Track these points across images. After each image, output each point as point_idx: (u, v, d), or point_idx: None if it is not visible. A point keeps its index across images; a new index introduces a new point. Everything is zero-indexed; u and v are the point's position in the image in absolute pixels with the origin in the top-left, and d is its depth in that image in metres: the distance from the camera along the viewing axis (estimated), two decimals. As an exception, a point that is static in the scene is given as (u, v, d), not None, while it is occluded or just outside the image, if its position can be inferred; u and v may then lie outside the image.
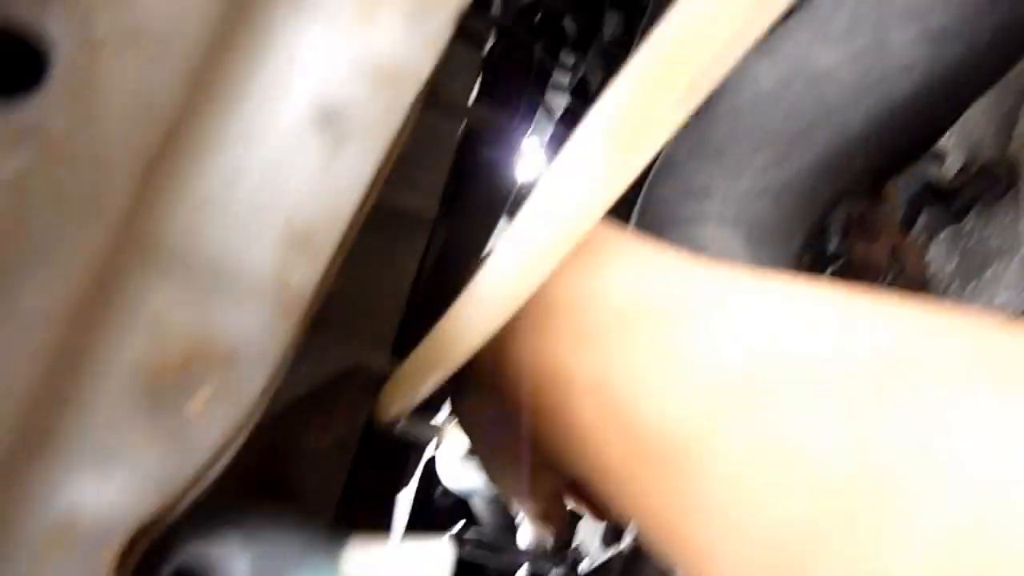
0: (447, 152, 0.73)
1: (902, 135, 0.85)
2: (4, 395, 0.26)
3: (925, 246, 1.18)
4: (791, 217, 0.84)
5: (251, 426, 0.32)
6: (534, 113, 1.78)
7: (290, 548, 0.34)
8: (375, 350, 0.69)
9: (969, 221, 1.12)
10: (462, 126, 0.76)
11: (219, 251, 0.33)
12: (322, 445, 0.66)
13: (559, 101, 1.88)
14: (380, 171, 0.36)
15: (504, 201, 1.00)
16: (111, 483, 0.29)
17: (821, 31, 0.85)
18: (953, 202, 1.15)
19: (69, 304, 0.27)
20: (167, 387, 0.31)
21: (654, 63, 0.31)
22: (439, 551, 0.37)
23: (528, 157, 1.73)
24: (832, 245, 1.11)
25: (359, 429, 0.69)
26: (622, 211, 0.91)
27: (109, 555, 0.28)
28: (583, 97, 1.65)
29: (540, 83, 1.83)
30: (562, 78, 1.81)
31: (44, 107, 0.27)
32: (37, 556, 0.27)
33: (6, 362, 0.26)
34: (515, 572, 1.41)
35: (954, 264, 1.12)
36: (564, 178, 0.34)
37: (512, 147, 0.93)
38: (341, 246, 0.35)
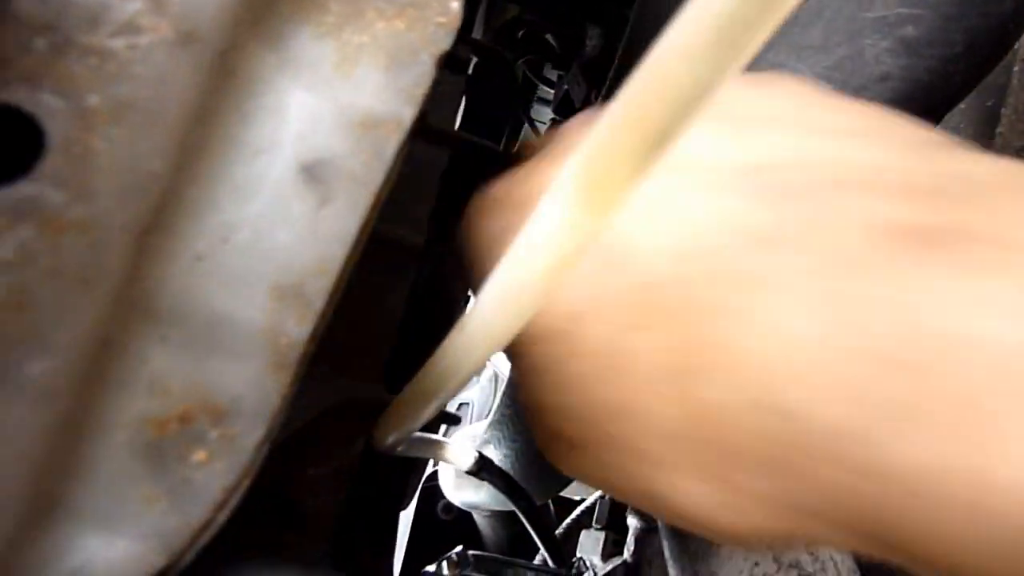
0: (433, 181, 0.74)
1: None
2: (14, 468, 0.27)
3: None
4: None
5: (252, 477, 0.33)
6: (520, 129, 1.80)
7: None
8: (368, 382, 0.70)
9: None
10: (447, 154, 0.77)
11: (214, 308, 0.34)
12: (320, 474, 0.67)
13: (545, 115, 1.89)
14: (367, 220, 0.38)
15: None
16: (119, 541, 0.30)
17: (797, 44, 0.86)
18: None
19: (72, 375, 0.28)
20: (168, 444, 0.32)
21: (618, 123, 0.32)
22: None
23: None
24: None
25: (356, 458, 0.70)
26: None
27: (118, 612, 0.29)
28: (568, 112, 1.67)
29: (525, 99, 1.85)
30: (546, 94, 1.83)
31: (42, 182, 0.28)
32: (48, 617, 0.28)
33: (16, 438, 0.27)
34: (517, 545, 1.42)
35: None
36: (536, 236, 0.35)
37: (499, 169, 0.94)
38: (332, 296, 0.36)
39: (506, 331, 0.37)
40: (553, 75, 1.70)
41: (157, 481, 0.31)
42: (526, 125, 1.78)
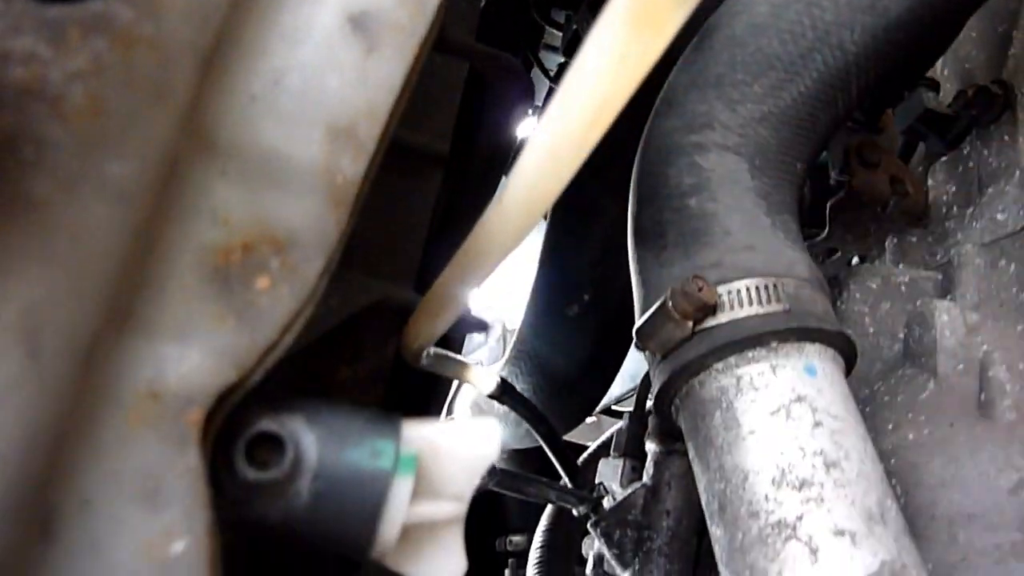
0: (455, 92, 0.75)
1: (897, 55, 0.87)
2: (100, 264, 0.28)
3: (924, 174, 1.20)
4: (792, 144, 0.86)
5: (313, 306, 0.34)
6: (529, 72, 1.79)
7: (351, 425, 0.36)
8: (399, 284, 0.71)
9: (967, 145, 1.14)
10: (468, 65, 0.78)
11: (270, 146, 0.35)
12: (357, 376, 0.68)
13: (553, 60, 1.89)
14: (413, 69, 0.39)
15: (507, 153, 1.02)
16: (190, 355, 0.31)
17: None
18: (950, 129, 1.16)
19: (146, 182, 0.30)
20: (233, 270, 0.33)
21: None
22: (489, 429, 0.39)
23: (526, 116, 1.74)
24: (833, 175, 1.13)
25: (390, 361, 0.72)
26: (629, 148, 0.94)
27: (194, 419, 0.30)
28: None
29: (533, 43, 1.84)
30: (554, 40, 1.83)
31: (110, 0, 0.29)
32: (128, 420, 0.30)
33: (99, 235, 0.28)
34: (542, 507, 1.45)
35: (953, 189, 1.14)
36: (590, 63, 0.36)
37: (516, 93, 0.95)
38: (382, 140, 0.37)
39: (564, 165, 0.38)
40: (561, 16, 1.69)
41: (224, 302, 0.32)
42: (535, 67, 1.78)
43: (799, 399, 0.69)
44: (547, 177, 0.43)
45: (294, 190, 0.35)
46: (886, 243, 1.21)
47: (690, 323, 0.74)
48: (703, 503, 0.74)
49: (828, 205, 1.14)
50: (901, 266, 1.15)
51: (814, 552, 0.62)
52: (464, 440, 0.38)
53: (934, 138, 1.19)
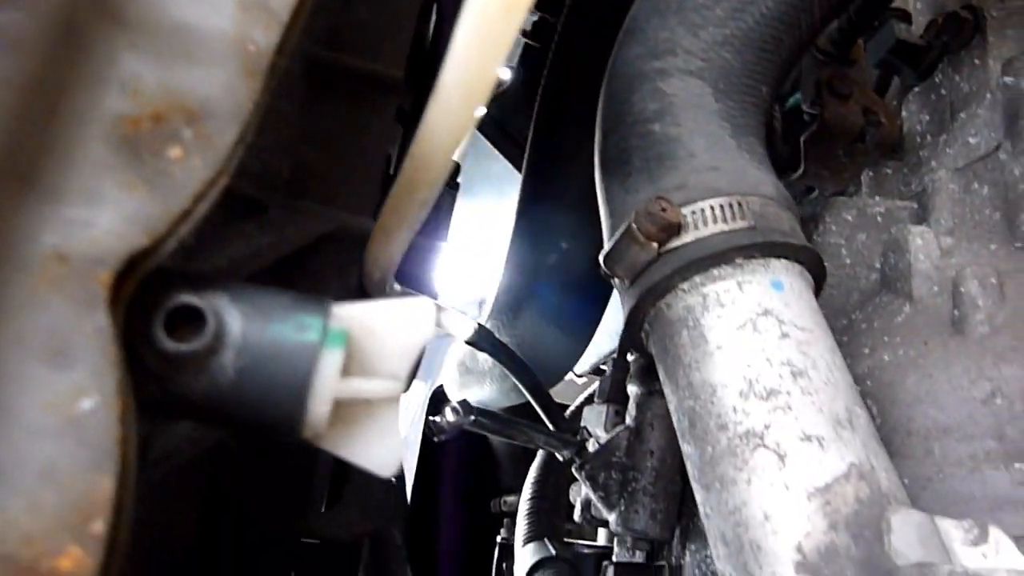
0: (409, 19, 0.74)
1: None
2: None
3: (899, 106, 1.19)
4: (756, 67, 0.85)
5: (227, 176, 0.34)
6: None
7: (277, 302, 0.36)
8: (357, 213, 0.70)
9: (938, 73, 1.13)
10: (422, -4, 0.77)
11: (180, 18, 0.34)
12: (316, 307, 0.67)
13: None
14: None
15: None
16: (99, 220, 0.30)
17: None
18: (923, 59, 1.15)
19: (37, 38, 0.29)
20: (144, 139, 0.32)
21: None
22: (424, 308, 0.39)
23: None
24: (805, 108, 1.12)
25: (352, 292, 0.71)
26: (596, 77, 0.93)
27: (102, 281, 0.30)
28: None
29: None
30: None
31: None
32: (36, 281, 0.29)
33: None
34: (530, 452, 1.44)
35: (926, 118, 1.13)
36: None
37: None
38: (298, 11, 0.36)
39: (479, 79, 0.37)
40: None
41: (134, 171, 0.32)
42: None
43: (765, 312, 0.69)
44: (478, 63, 0.42)
45: (205, 61, 0.34)
46: (862, 177, 1.21)
47: (655, 245, 0.73)
48: (675, 423, 0.73)
49: (802, 140, 1.13)
50: (877, 198, 1.14)
51: (782, 458, 0.62)
52: (398, 319, 0.38)
53: (907, 70, 1.18)
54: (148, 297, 0.33)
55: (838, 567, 0.56)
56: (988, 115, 1.01)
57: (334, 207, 0.68)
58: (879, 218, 1.09)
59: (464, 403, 0.98)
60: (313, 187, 0.68)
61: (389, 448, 0.37)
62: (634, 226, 0.73)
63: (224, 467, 0.68)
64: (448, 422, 0.96)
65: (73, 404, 0.28)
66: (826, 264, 1.08)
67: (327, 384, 0.35)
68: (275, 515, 0.71)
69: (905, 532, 0.56)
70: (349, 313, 0.37)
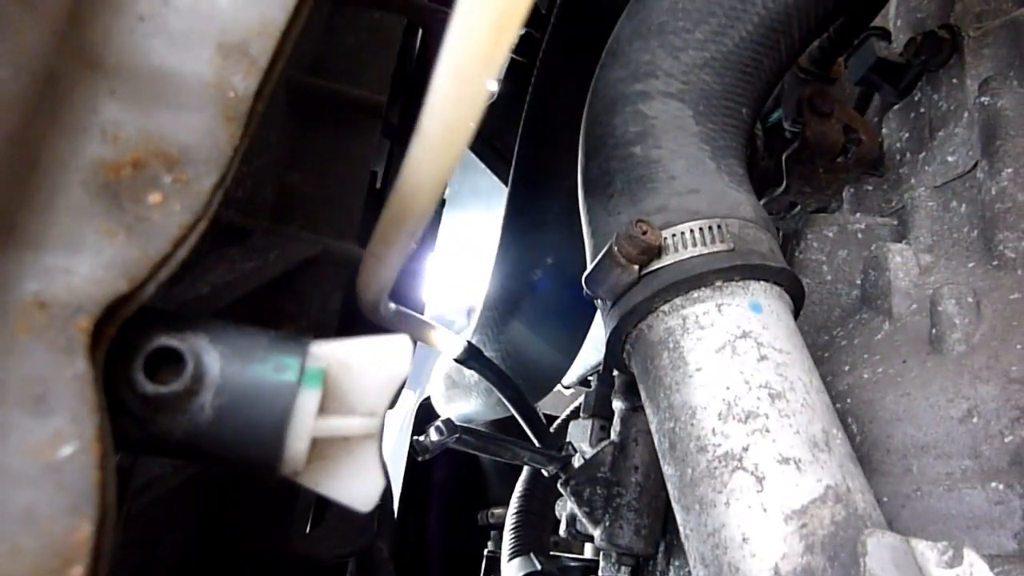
0: (392, 42, 0.75)
1: (837, -2, 0.87)
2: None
3: (879, 124, 1.21)
4: (736, 89, 0.86)
5: (207, 220, 0.34)
6: None
7: (256, 343, 0.36)
8: (341, 237, 0.71)
9: (918, 92, 1.14)
10: (404, 21, 0.78)
11: (160, 65, 0.35)
12: (301, 332, 0.68)
13: None
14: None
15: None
16: (79, 267, 0.31)
17: None
18: (903, 77, 1.17)
19: (19, 94, 0.29)
20: (124, 186, 0.33)
21: None
22: (400, 345, 0.39)
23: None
24: (786, 126, 1.13)
25: (335, 315, 0.72)
26: (580, 94, 0.94)
27: (82, 328, 0.30)
28: None
29: None
30: None
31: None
32: (16, 328, 0.30)
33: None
34: (515, 467, 1.45)
35: (906, 136, 1.15)
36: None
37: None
38: (277, 56, 0.37)
39: (467, 101, 0.38)
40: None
41: (114, 218, 0.32)
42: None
43: (744, 335, 0.70)
44: (461, 99, 0.43)
45: (185, 107, 0.35)
46: (844, 193, 1.22)
47: (636, 267, 0.74)
48: (656, 444, 0.74)
49: (783, 157, 1.15)
50: (858, 215, 1.16)
51: (760, 480, 0.63)
52: (375, 357, 0.38)
53: (887, 87, 1.20)
54: (128, 339, 0.33)
55: (814, 589, 0.57)
56: (966, 134, 1.03)
57: (318, 232, 0.69)
58: (860, 235, 1.10)
59: (448, 422, 0.98)
60: (297, 212, 0.69)
61: (368, 483, 0.38)
62: (615, 249, 0.74)
63: (207, 493, 0.69)
64: (432, 441, 0.97)
65: (53, 450, 0.29)
66: (807, 280, 1.10)
67: (305, 423, 0.35)
68: (259, 538, 0.72)
69: (880, 555, 0.57)
70: (327, 352, 0.38)
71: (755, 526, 0.61)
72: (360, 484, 0.38)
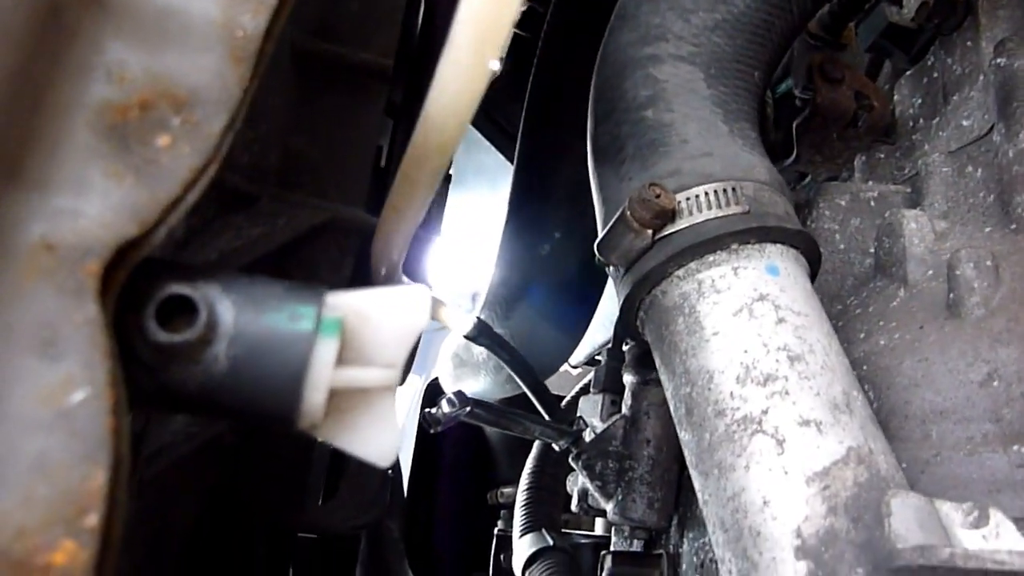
0: (396, 9, 0.73)
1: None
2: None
3: (890, 90, 1.19)
4: (747, 51, 0.85)
5: (217, 163, 0.33)
6: None
7: (270, 292, 0.35)
8: (349, 203, 0.70)
9: (930, 57, 1.13)
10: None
11: (166, 3, 0.34)
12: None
13: None
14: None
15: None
16: (87, 210, 0.30)
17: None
18: (914, 42, 1.15)
19: (20, 26, 0.28)
20: (131, 128, 0.32)
21: None
22: (418, 296, 0.38)
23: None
24: (797, 93, 1.12)
25: (345, 283, 0.71)
26: (585, 67, 0.92)
27: (91, 271, 0.29)
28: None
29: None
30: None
31: None
32: (25, 271, 0.28)
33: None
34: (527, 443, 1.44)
35: (919, 102, 1.13)
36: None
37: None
38: (286, -4, 0.36)
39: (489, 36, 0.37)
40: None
41: (122, 160, 0.31)
42: None
43: (761, 298, 0.69)
44: (475, 59, 0.42)
45: (192, 47, 0.33)
46: (855, 162, 1.21)
47: (650, 232, 0.73)
48: (672, 411, 0.73)
49: (794, 125, 1.13)
50: (870, 183, 1.14)
51: (780, 443, 0.62)
52: (392, 308, 0.37)
53: (899, 53, 1.18)
54: (139, 288, 0.32)
55: (838, 551, 0.56)
56: (981, 97, 1.01)
57: (326, 198, 0.68)
58: (873, 203, 1.09)
59: (460, 394, 0.97)
60: (304, 178, 0.68)
61: (386, 437, 0.37)
62: (628, 213, 0.72)
63: (220, 462, 0.68)
64: (444, 413, 0.96)
65: (64, 396, 0.28)
66: (820, 250, 1.08)
67: (322, 373, 0.34)
68: (272, 509, 0.71)
69: (905, 515, 0.56)
70: (343, 302, 0.37)
71: (776, 489, 0.60)
72: (378, 438, 0.37)
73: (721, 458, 0.64)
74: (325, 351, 0.34)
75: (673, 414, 0.73)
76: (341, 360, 0.36)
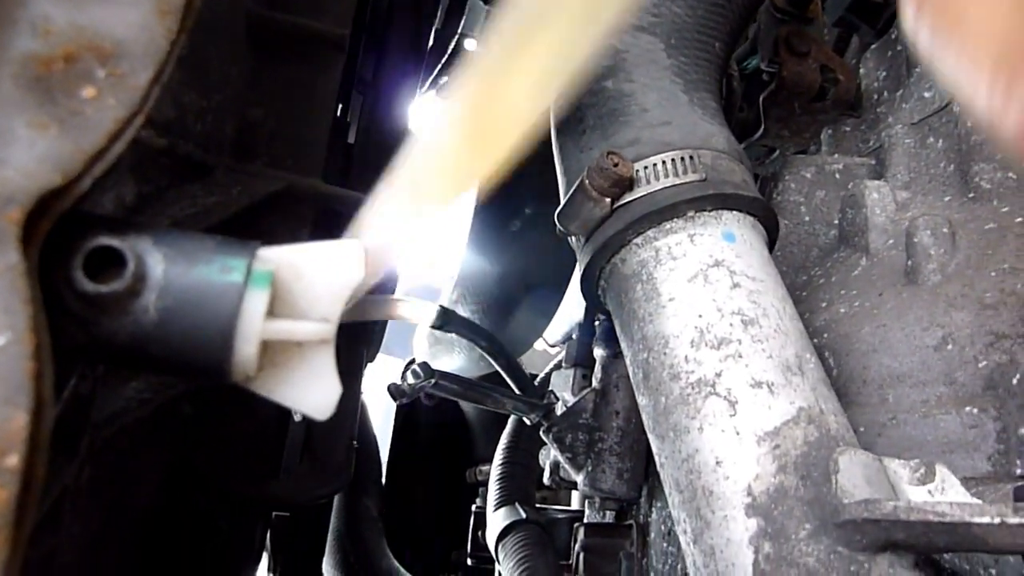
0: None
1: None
2: None
3: (856, 62, 1.20)
4: (708, 22, 0.85)
5: (143, 116, 0.33)
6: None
7: (201, 245, 0.35)
8: (306, 174, 0.70)
9: (895, 30, 1.13)
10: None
11: (90, -43, 0.34)
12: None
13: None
14: None
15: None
16: (9, 160, 0.30)
17: None
18: (880, 16, 1.16)
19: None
20: (56, 80, 0.32)
21: None
22: (353, 250, 0.39)
23: None
24: (763, 67, 1.12)
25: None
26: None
27: (12, 219, 0.29)
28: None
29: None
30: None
31: None
32: (-57, 220, 0.29)
33: None
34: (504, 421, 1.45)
35: (883, 75, 1.14)
36: None
37: None
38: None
39: None
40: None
41: (46, 111, 0.31)
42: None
43: (717, 264, 0.69)
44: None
45: (118, 1, 0.33)
46: (822, 135, 1.21)
47: (608, 200, 0.73)
48: (631, 377, 0.74)
49: (760, 99, 1.14)
50: (836, 155, 1.15)
51: (733, 404, 0.63)
52: (325, 262, 0.37)
53: (865, 27, 1.19)
54: (67, 240, 0.33)
55: (787, 507, 0.57)
56: (942, 69, 1.02)
57: (282, 168, 0.68)
58: (837, 175, 1.10)
59: (424, 365, 0.98)
60: (260, 149, 0.68)
61: (323, 391, 0.37)
62: (587, 182, 0.73)
63: (176, 434, 0.68)
64: (409, 385, 0.96)
65: (-17, 341, 0.28)
66: (785, 222, 1.09)
67: (253, 324, 0.35)
68: (230, 480, 0.71)
69: (852, 472, 0.57)
70: (275, 255, 0.37)
71: (728, 449, 0.61)
72: (315, 391, 0.37)
73: (676, 421, 0.65)
74: (255, 302, 0.35)
75: (632, 380, 0.74)
76: (274, 313, 0.36)
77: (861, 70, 1.18)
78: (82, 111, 0.32)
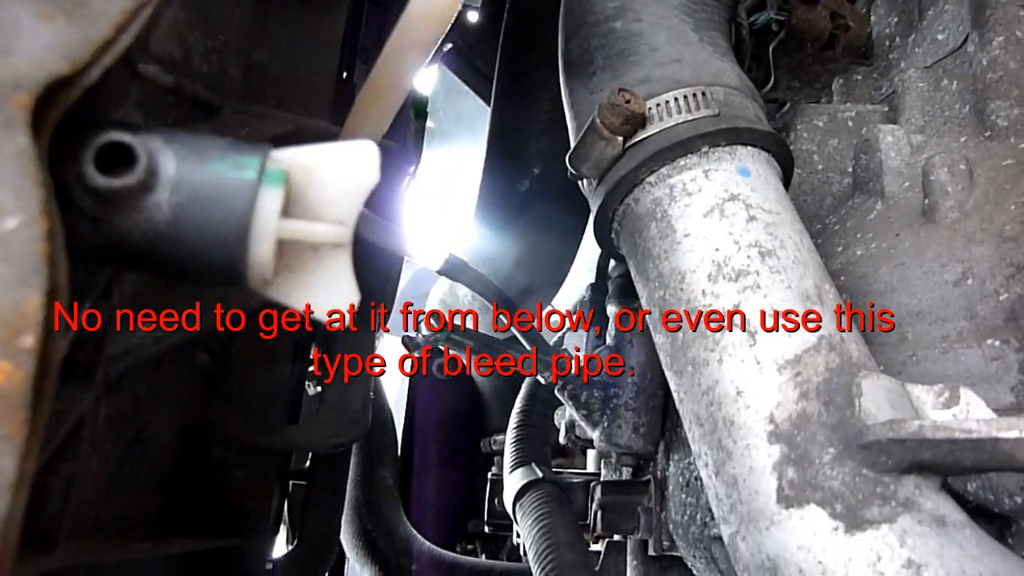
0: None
1: None
2: None
3: (867, 9, 1.18)
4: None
5: (151, 8, 0.33)
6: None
7: (213, 144, 0.35)
8: (313, 115, 0.69)
9: (906, -26, 1.12)
10: None
11: None
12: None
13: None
14: None
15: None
16: (17, 47, 0.30)
17: None
18: (890, -38, 1.14)
19: None
20: (58, -30, 0.31)
21: None
22: (367, 152, 0.38)
23: None
24: (772, 15, 1.11)
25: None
26: (551, 13, 0.91)
27: (22, 103, 0.29)
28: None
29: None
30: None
31: None
32: (-50, 104, 0.28)
33: None
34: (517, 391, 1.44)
35: (895, 20, 1.12)
36: None
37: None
38: None
39: None
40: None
41: (52, 2, 0.31)
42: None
43: (732, 198, 0.68)
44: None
45: None
46: (833, 85, 1.20)
47: (620, 139, 0.73)
48: (648, 318, 0.73)
49: (770, 48, 1.12)
50: (848, 103, 1.14)
51: (752, 335, 0.62)
52: (340, 163, 0.37)
53: (876, -27, 1.17)
54: (78, 135, 0.32)
55: (810, 433, 0.57)
56: (955, 10, 1.00)
57: (289, 110, 0.67)
58: (850, 123, 1.08)
59: (435, 314, 0.97)
60: (267, 91, 0.67)
61: (339, 294, 0.37)
62: (598, 120, 0.72)
63: (193, 380, 0.68)
64: (423, 336, 0.96)
65: (-4, 222, 0.27)
66: (798, 171, 1.08)
67: (267, 223, 0.34)
68: (248, 430, 0.71)
69: (875, 395, 0.56)
70: (289, 156, 0.36)
71: (749, 379, 0.60)
72: (332, 294, 0.37)
73: (695, 354, 0.64)
74: (270, 201, 0.34)
75: (649, 321, 0.73)
76: (288, 214, 0.35)
77: (872, 17, 1.17)
78: (88, 2, 0.31)
